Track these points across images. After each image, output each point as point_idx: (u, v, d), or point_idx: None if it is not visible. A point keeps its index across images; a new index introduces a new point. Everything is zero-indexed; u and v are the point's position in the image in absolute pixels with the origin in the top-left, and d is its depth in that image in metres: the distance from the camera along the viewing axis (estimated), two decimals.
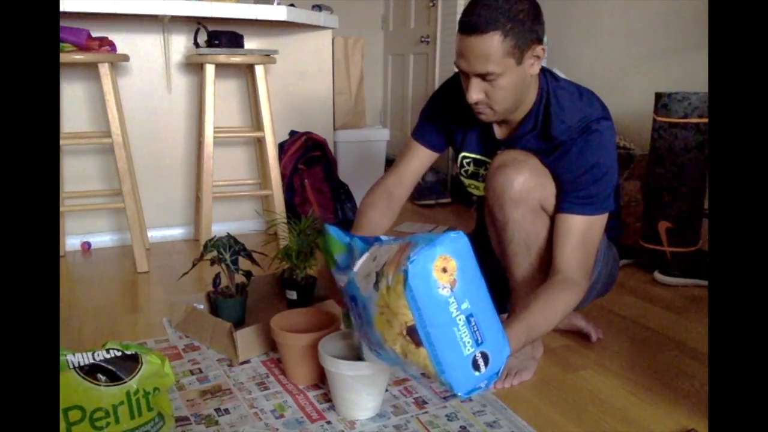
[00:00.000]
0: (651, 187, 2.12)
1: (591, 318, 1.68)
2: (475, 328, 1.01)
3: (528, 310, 1.24)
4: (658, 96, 2.06)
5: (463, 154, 1.54)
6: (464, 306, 1.00)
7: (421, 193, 3.32)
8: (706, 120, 1.99)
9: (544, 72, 1.39)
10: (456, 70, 1.35)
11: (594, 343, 1.59)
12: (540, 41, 1.29)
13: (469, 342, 1.01)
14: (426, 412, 1.27)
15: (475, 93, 1.30)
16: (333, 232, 1.23)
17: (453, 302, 0.99)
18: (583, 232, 1.33)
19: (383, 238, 1.15)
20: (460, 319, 1.00)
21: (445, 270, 0.99)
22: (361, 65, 3.44)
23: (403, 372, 1.18)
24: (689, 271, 2.04)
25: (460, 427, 1.22)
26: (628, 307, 1.85)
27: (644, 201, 2.18)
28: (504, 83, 1.28)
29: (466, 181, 1.58)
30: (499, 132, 1.46)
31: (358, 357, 1.27)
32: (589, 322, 1.63)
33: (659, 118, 2.06)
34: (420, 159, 1.56)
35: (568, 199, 1.33)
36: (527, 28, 1.26)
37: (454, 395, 1.31)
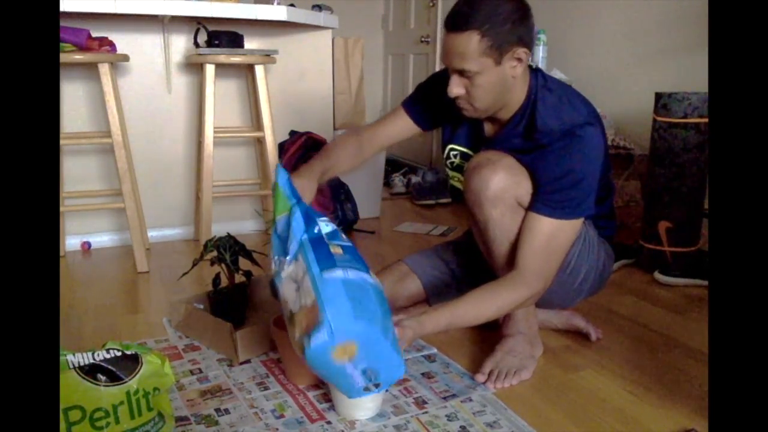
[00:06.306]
0: (651, 187, 2.12)
1: (591, 318, 1.68)
2: (370, 376, 1.11)
3: (463, 299, 1.30)
4: (658, 96, 2.06)
5: (451, 146, 1.56)
6: (361, 366, 1.09)
7: (421, 193, 3.32)
8: (706, 120, 1.99)
9: (536, 73, 1.40)
10: None
11: (594, 343, 1.59)
12: (523, 44, 1.30)
13: (361, 382, 1.12)
14: (426, 412, 1.27)
15: (455, 88, 1.34)
16: (282, 181, 1.27)
17: (350, 366, 1.09)
18: (549, 235, 1.33)
19: (322, 224, 1.24)
20: (355, 374, 1.10)
21: (344, 351, 1.07)
22: (361, 65, 3.44)
23: None
24: (689, 271, 2.04)
25: (460, 427, 1.22)
26: (628, 307, 1.85)
27: (644, 201, 2.18)
28: (482, 82, 1.31)
29: (451, 173, 1.60)
30: (487, 129, 1.48)
31: None
32: (589, 321, 1.63)
33: (659, 118, 2.06)
34: (400, 127, 1.58)
35: (540, 200, 1.34)
36: (508, 29, 1.27)
37: (453, 395, 1.33)
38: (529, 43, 1.31)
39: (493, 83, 1.31)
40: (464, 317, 1.29)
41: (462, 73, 1.31)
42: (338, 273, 1.12)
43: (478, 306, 1.30)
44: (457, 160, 1.56)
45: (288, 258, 1.20)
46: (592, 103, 1.42)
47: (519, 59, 1.31)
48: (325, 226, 1.24)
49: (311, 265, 1.14)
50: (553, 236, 1.33)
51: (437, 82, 1.52)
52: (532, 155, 1.35)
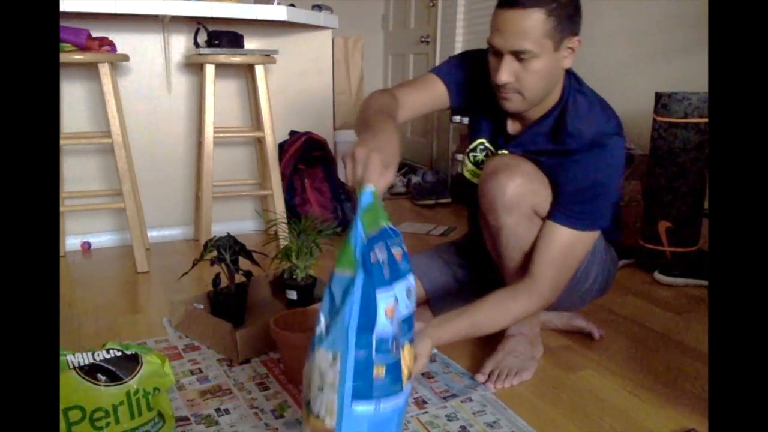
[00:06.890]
0: (651, 187, 2.12)
1: (591, 318, 1.68)
2: None
3: (478, 307, 1.26)
4: (658, 96, 2.06)
5: (481, 140, 1.49)
6: None
7: (421, 193, 3.32)
8: (706, 120, 1.99)
9: (570, 75, 1.35)
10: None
11: (594, 343, 1.59)
12: (576, 34, 1.26)
13: None
14: (426, 412, 1.27)
15: (506, 74, 1.24)
16: (355, 235, 1.02)
17: None
18: (566, 246, 1.30)
19: (381, 324, 0.98)
20: None
21: None
22: (361, 65, 3.45)
23: None
24: (689, 271, 2.04)
25: (460, 427, 1.22)
26: (628, 307, 1.85)
27: (644, 201, 2.18)
28: (538, 67, 1.23)
29: (470, 165, 1.52)
30: (511, 127, 1.42)
31: None
32: (590, 321, 1.63)
33: (659, 118, 2.06)
34: (433, 96, 1.43)
35: (560, 209, 1.31)
36: (569, 14, 1.22)
37: (453, 395, 1.33)
38: (578, 34, 1.27)
39: (547, 70, 1.24)
40: (481, 327, 1.27)
41: (517, 55, 1.22)
42: (369, 408, 0.99)
43: (494, 315, 1.27)
44: (479, 155, 1.49)
45: (326, 343, 1.00)
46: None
47: (572, 49, 1.27)
48: (377, 340, 0.98)
49: (344, 388, 0.98)
50: (571, 247, 1.31)
51: (474, 61, 1.43)
52: (557, 159, 1.31)
